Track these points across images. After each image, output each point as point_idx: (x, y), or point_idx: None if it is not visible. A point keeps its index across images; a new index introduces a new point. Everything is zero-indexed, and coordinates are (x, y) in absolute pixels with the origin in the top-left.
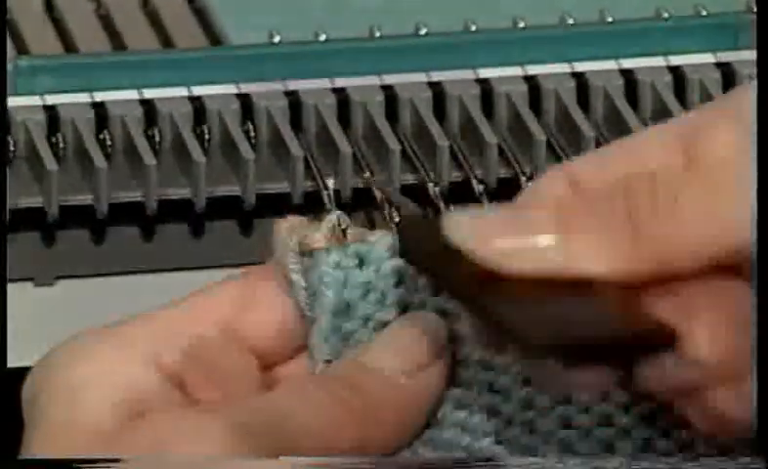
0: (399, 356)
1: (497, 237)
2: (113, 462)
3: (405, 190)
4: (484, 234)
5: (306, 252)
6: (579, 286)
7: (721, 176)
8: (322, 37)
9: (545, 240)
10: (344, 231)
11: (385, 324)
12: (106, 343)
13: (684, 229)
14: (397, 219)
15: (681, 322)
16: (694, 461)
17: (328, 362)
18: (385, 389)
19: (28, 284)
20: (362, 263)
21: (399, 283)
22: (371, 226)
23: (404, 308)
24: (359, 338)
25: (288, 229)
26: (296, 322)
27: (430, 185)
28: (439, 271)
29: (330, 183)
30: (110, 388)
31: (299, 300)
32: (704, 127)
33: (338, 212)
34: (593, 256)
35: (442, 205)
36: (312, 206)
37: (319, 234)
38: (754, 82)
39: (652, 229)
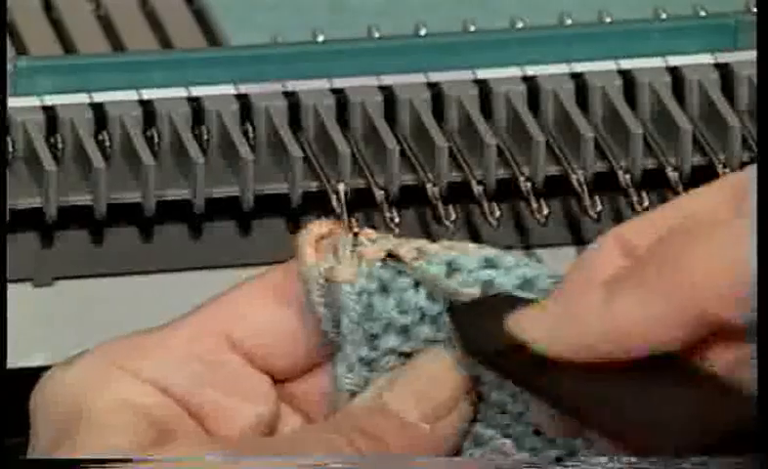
0: (420, 401)
1: (554, 330)
2: (123, 462)
3: (404, 190)
4: (545, 329)
5: (332, 282)
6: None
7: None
8: (321, 38)
9: (594, 329)
10: (371, 238)
11: (410, 354)
12: (121, 371)
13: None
14: (448, 307)
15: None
16: (693, 461)
17: (353, 393)
18: (404, 436)
19: (27, 285)
20: (385, 290)
21: (422, 319)
22: (371, 227)
23: (429, 341)
24: (383, 366)
25: (313, 244)
26: (312, 339)
27: (429, 185)
28: (500, 360)
29: (341, 187)
30: (128, 420)
31: (324, 326)
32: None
33: (365, 231)
34: (637, 334)
35: (440, 206)
36: (310, 207)
37: (343, 267)
38: None
39: (687, 272)
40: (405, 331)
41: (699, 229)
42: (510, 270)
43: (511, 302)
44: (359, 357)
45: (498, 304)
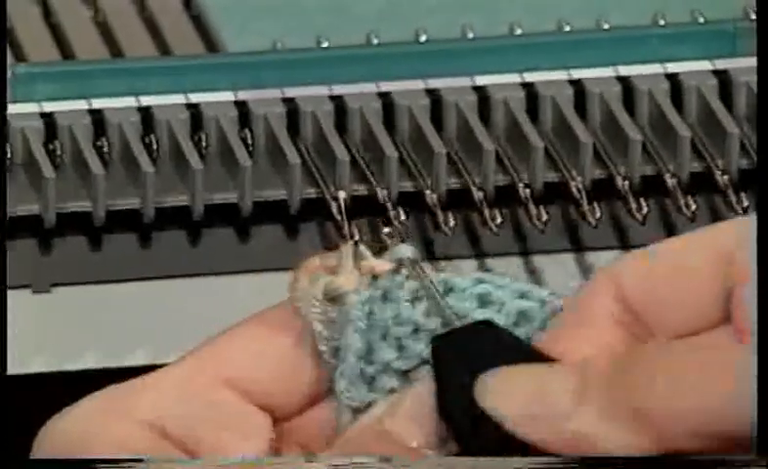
0: (422, 426)
1: (522, 406)
2: (136, 462)
3: (403, 197)
4: (511, 403)
5: (332, 298)
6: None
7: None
8: (320, 44)
9: (561, 415)
10: (366, 242)
11: (405, 373)
12: (117, 414)
13: (682, 407)
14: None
15: None
16: (693, 461)
17: (356, 410)
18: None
19: (26, 292)
20: (385, 298)
21: (416, 333)
22: (372, 233)
23: (424, 359)
24: (382, 387)
25: (310, 273)
26: (310, 373)
27: (427, 192)
28: (469, 429)
29: (341, 194)
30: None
31: (320, 348)
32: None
33: (356, 241)
34: (600, 434)
35: (439, 212)
36: (309, 214)
37: (343, 277)
38: None
39: (651, 408)
40: (399, 345)
41: (675, 357)
42: (504, 286)
43: (492, 338)
44: (360, 370)
45: (479, 341)
